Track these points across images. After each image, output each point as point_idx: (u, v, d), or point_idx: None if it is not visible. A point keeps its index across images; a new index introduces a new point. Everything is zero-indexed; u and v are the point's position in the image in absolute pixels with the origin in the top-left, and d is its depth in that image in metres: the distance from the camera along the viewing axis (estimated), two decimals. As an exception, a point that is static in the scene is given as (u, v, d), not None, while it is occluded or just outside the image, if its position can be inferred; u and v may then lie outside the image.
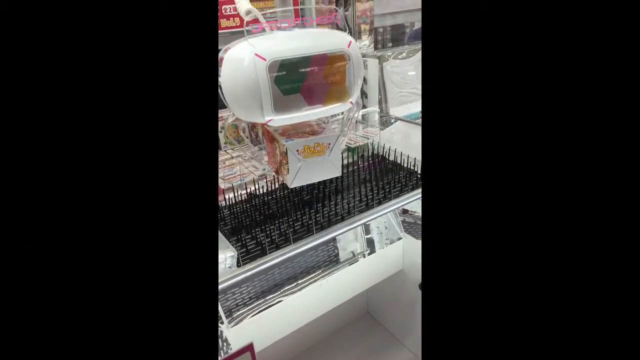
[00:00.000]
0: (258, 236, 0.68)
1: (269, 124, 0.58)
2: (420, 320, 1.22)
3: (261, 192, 0.82)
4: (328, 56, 0.59)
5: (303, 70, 0.58)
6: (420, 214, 1.35)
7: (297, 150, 0.64)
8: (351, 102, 0.65)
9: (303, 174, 0.65)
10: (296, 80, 0.58)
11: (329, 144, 0.65)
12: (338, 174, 0.67)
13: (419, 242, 1.25)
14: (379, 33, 1.39)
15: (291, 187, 0.66)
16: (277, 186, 0.85)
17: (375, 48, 1.31)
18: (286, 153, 0.63)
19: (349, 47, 0.61)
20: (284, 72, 0.56)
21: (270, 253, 0.62)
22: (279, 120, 0.58)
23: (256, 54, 0.53)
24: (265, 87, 0.54)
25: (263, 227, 0.71)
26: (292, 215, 0.74)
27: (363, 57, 1.19)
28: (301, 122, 0.68)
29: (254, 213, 0.75)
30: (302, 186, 0.86)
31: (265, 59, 0.53)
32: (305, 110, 0.60)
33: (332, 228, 0.68)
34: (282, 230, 0.69)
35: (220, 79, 0.58)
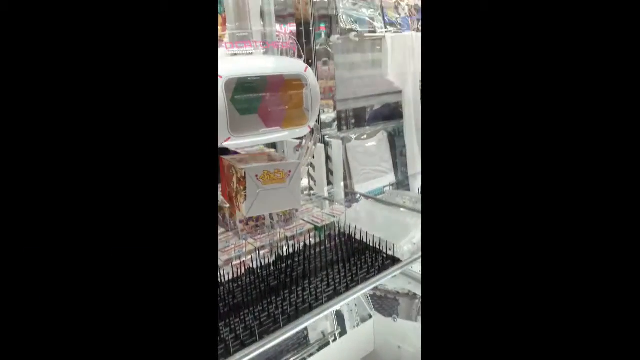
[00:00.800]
0: (222, 331, 0.64)
1: (225, 144, 0.55)
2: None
3: (225, 279, 0.79)
4: (285, 79, 0.60)
5: (260, 90, 0.57)
6: (388, 288, 1.34)
7: (257, 176, 0.60)
8: (309, 127, 0.66)
9: (261, 202, 0.62)
10: (253, 100, 0.56)
11: (289, 171, 0.63)
12: (298, 206, 0.65)
13: (390, 320, 1.23)
14: (341, 115, 1.50)
15: (247, 215, 0.62)
16: (242, 272, 0.83)
17: (339, 130, 1.41)
18: (244, 178, 0.60)
19: (305, 71, 0.62)
20: (241, 91, 0.55)
21: (234, 354, 0.58)
22: (236, 140, 0.55)
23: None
24: (222, 105, 0.52)
25: (227, 319, 0.67)
26: (258, 305, 0.71)
27: (327, 138, 1.27)
28: (260, 153, 0.67)
29: (220, 304, 0.72)
30: (268, 270, 0.85)
31: (221, 76, 0.53)
32: (263, 132, 0.58)
33: (300, 320, 0.66)
34: (248, 323, 0.66)
35: None
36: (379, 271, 0.80)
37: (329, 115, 1.38)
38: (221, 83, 0.53)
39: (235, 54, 0.61)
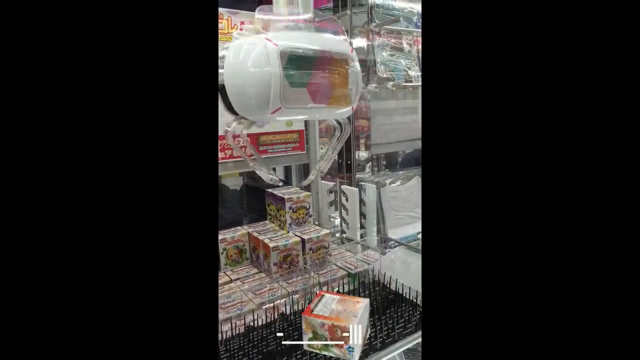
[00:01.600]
0: (253, 381, 0.63)
1: (275, 115, 0.55)
2: None
3: (259, 323, 0.78)
4: (333, 57, 0.60)
5: (310, 65, 0.57)
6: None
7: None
8: (353, 108, 0.65)
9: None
10: (303, 74, 0.56)
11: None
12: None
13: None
14: (373, 157, 1.51)
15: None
16: (275, 316, 0.81)
17: (372, 174, 1.41)
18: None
19: (351, 52, 0.63)
20: (293, 63, 0.55)
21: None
22: (285, 111, 0.54)
23: (267, 38, 0.54)
24: (276, 73, 0.52)
25: (259, 369, 0.66)
26: (292, 356, 0.69)
27: (361, 182, 1.28)
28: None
29: (251, 351, 0.71)
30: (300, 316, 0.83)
31: (277, 45, 0.53)
32: (310, 107, 0.57)
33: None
34: (281, 375, 0.64)
35: (222, 71, 0.56)
36: (417, 327, 0.77)
37: (362, 155, 1.40)
38: (276, 52, 0.53)
39: (287, 27, 0.61)
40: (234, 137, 0.62)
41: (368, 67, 1.31)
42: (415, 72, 1.39)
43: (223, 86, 0.57)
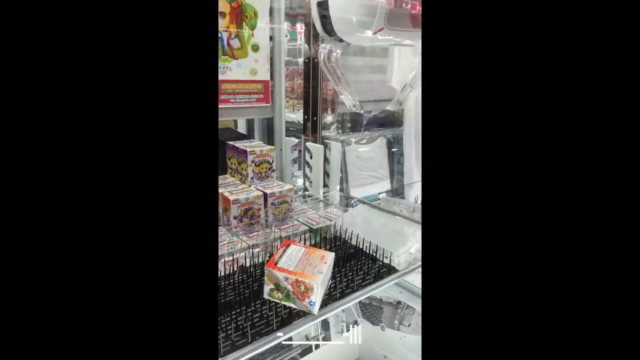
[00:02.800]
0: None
1: (377, 34, 0.54)
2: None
3: (218, 275, 0.76)
4: None
5: None
6: (375, 296, 1.33)
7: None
8: None
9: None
10: None
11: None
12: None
13: (377, 329, 1.21)
14: (339, 120, 1.49)
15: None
16: (235, 269, 0.80)
17: (338, 132, 1.39)
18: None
19: None
20: None
21: (225, 355, 0.56)
22: (386, 32, 0.54)
23: None
24: None
25: (218, 318, 0.64)
26: (251, 305, 0.69)
27: (327, 139, 1.25)
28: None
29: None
30: (262, 269, 0.82)
31: None
32: (410, 30, 0.57)
33: (294, 324, 0.64)
34: (239, 323, 0.63)
35: None
36: (375, 279, 0.79)
37: (328, 118, 1.37)
38: None
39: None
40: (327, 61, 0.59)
41: (339, 18, 1.24)
42: (387, 29, 1.34)
43: (325, 2, 0.53)
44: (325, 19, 0.56)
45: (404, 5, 0.56)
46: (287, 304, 0.66)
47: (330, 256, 0.71)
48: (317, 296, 0.63)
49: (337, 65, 0.63)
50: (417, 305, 1.13)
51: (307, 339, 1.27)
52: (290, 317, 0.66)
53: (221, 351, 0.57)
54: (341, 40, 0.59)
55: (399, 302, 1.34)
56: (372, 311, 1.37)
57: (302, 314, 0.66)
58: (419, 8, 0.58)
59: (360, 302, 1.33)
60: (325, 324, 1.33)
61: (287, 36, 1.20)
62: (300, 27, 1.43)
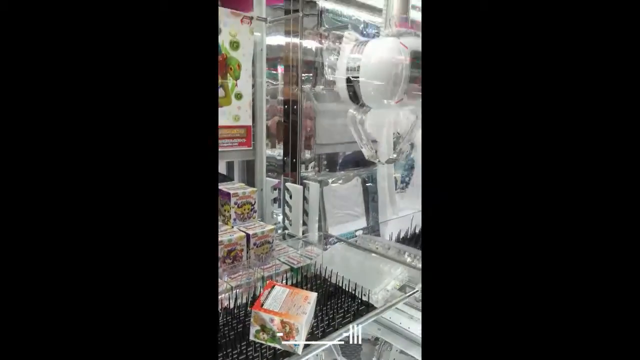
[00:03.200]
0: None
1: (398, 104, 0.65)
2: None
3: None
4: None
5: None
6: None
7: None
8: None
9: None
10: (417, 72, 0.66)
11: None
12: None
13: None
14: (316, 158, 1.56)
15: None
16: (218, 310, 0.81)
17: (315, 173, 1.46)
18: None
19: None
20: (416, 60, 0.65)
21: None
22: (405, 103, 0.66)
23: (401, 43, 0.65)
24: (406, 69, 0.64)
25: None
26: (236, 347, 0.70)
27: (305, 180, 1.31)
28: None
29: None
30: (245, 310, 0.84)
31: (407, 47, 0.65)
32: (417, 102, 0.67)
33: (279, 363, 0.66)
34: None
35: (361, 59, 0.64)
36: (355, 317, 0.83)
37: (305, 155, 1.44)
38: (407, 52, 0.65)
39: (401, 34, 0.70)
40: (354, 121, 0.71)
41: (316, 68, 1.35)
42: (360, 78, 1.47)
43: (354, 78, 0.65)
44: (351, 87, 0.67)
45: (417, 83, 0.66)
46: (272, 344, 0.68)
47: (313, 296, 0.74)
48: (301, 336, 0.66)
49: (362, 129, 0.74)
50: (395, 341, 1.17)
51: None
52: (275, 357, 0.68)
53: None
54: (362, 105, 0.70)
55: (376, 339, 1.37)
56: (350, 349, 1.38)
57: (286, 355, 0.69)
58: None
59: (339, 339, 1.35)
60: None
61: (268, 85, 1.28)
62: (280, 70, 1.52)
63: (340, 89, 0.69)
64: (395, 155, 0.83)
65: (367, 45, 0.65)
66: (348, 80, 0.69)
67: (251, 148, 1.23)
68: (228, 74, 1.10)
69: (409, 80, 0.64)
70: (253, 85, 1.21)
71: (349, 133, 1.59)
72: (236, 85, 1.13)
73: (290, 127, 1.32)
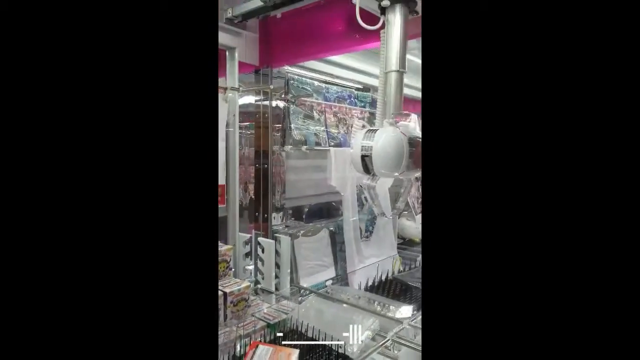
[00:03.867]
0: None
1: (401, 175, 0.85)
2: None
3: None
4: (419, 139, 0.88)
5: (414, 145, 0.86)
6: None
7: None
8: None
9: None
10: (413, 151, 0.85)
11: None
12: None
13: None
14: (283, 210, 1.64)
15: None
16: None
17: (283, 224, 1.53)
18: None
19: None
20: (411, 143, 0.84)
21: None
22: (405, 174, 0.86)
23: (402, 132, 0.85)
24: (406, 151, 0.83)
25: None
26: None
27: (276, 234, 1.37)
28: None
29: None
30: (227, 373, 0.85)
31: (405, 135, 0.84)
32: (413, 171, 0.87)
33: None
34: None
35: (373, 146, 0.85)
36: None
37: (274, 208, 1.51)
38: (405, 139, 0.85)
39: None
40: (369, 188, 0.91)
41: (284, 129, 1.46)
42: (324, 136, 1.60)
43: (368, 155, 0.86)
44: (364, 162, 0.88)
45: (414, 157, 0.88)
46: (259, 405, 0.71)
47: (295, 353, 0.79)
48: (288, 394, 0.70)
49: (374, 192, 0.92)
50: None
51: None
52: (261, 419, 0.70)
53: None
54: (374, 175, 0.90)
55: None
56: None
57: (273, 414, 0.71)
58: (416, 155, 0.89)
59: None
60: None
61: (242, 147, 1.37)
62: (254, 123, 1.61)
63: (355, 163, 0.92)
64: (396, 210, 1.05)
65: (376, 133, 0.88)
66: (362, 157, 0.89)
67: (224, 205, 1.28)
68: (204, 139, 1.18)
69: (408, 156, 0.84)
70: (226, 148, 1.29)
71: (315, 187, 1.70)
72: (212, 148, 1.21)
73: (262, 188, 1.40)
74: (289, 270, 1.37)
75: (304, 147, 1.45)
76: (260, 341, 0.85)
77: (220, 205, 1.27)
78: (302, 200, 1.65)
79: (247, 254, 1.37)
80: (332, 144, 1.62)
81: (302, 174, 1.60)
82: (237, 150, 1.31)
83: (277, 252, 1.36)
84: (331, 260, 1.54)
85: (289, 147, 1.45)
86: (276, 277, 1.35)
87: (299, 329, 1.04)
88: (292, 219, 1.71)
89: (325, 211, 1.83)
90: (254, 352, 0.76)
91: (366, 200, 1.65)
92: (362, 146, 0.85)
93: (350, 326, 1.02)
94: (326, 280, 1.48)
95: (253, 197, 1.44)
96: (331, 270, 1.53)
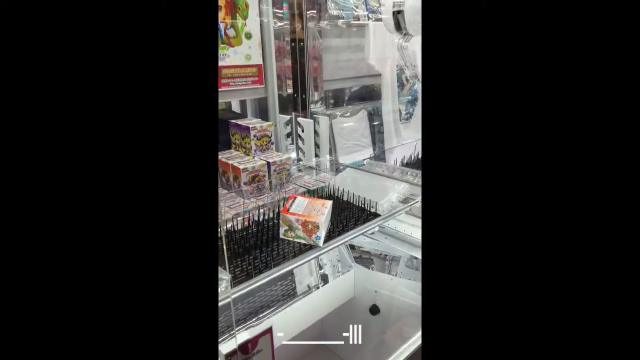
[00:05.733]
0: (239, 266, 0.80)
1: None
2: (369, 344, 1.36)
3: (238, 227, 0.95)
4: None
5: None
6: (364, 247, 1.54)
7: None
8: None
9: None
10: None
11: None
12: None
13: (369, 271, 1.43)
14: (322, 98, 1.64)
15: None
16: (251, 223, 0.98)
17: (326, 107, 1.56)
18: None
19: None
20: None
21: (255, 276, 0.75)
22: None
23: None
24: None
25: (241, 258, 0.83)
26: (268, 246, 0.87)
27: (315, 114, 1.42)
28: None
29: (234, 246, 0.87)
30: (273, 222, 1.00)
31: None
32: None
33: (303, 255, 0.83)
34: (263, 257, 0.82)
35: (405, 1, 0.85)
36: (356, 224, 0.99)
37: (313, 97, 1.52)
38: None
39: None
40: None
41: (319, 4, 1.38)
42: (362, 12, 1.50)
43: (400, 11, 0.83)
44: (396, 19, 0.84)
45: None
46: (298, 240, 0.85)
47: (329, 203, 0.89)
48: (321, 232, 0.82)
49: (405, 53, 0.93)
50: (400, 246, 1.34)
51: (309, 287, 1.48)
52: (301, 250, 0.85)
53: (253, 273, 0.75)
54: (406, 34, 0.84)
55: (386, 255, 1.56)
56: (363, 262, 1.59)
57: (310, 247, 0.85)
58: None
59: (354, 255, 1.55)
60: (323, 277, 1.54)
61: (275, 23, 1.33)
62: (285, 8, 1.55)
63: (386, 21, 0.86)
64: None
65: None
66: (394, 14, 0.82)
67: (263, 86, 1.32)
68: (237, 14, 1.17)
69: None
70: (261, 25, 1.27)
71: (354, 69, 1.65)
72: (245, 24, 1.20)
73: (298, 65, 1.39)
74: (327, 149, 1.44)
75: (340, 21, 1.37)
76: (299, 194, 0.96)
77: (259, 86, 1.31)
78: (341, 83, 1.63)
79: (288, 135, 1.45)
80: (373, 18, 1.51)
81: (340, 54, 1.56)
82: (271, 27, 1.29)
83: (316, 133, 1.42)
84: (369, 140, 1.58)
85: (325, 22, 1.39)
86: (316, 155, 1.44)
87: (336, 194, 1.15)
88: (332, 103, 1.73)
89: (367, 96, 1.81)
90: (292, 202, 0.88)
91: (407, 81, 1.60)
92: (394, 2, 0.80)
93: (383, 191, 1.11)
94: (364, 159, 1.55)
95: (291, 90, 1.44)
96: (369, 151, 1.59)
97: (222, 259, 0.76)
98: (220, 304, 0.70)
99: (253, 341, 0.48)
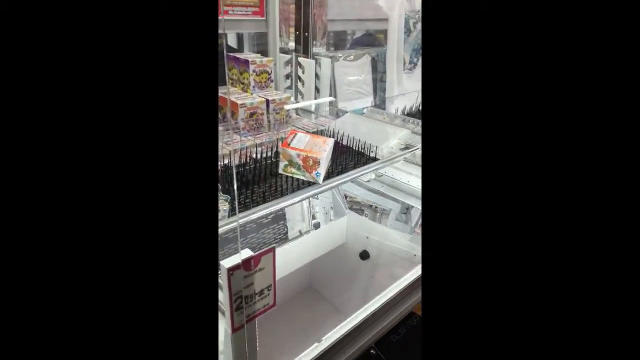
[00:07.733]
0: (237, 199, 0.79)
1: None
2: (359, 290, 1.41)
3: (237, 162, 0.92)
4: None
5: None
6: (357, 198, 1.55)
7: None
8: None
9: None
10: None
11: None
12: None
13: (362, 218, 1.45)
14: (326, 42, 1.56)
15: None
16: (248, 160, 0.95)
17: (327, 49, 1.48)
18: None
19: None
20: None
21: (240, 212, 0.74)
22: None
23: None
24: None
25: (240, 191, 0.81)
26: (266, 182, 0.86)
27: (317, 56, 1.35)
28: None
29: (231, 181, 0.85)
30: (271, 160, 0.98)
31: None
32: None
33: (299, 192, 0.82)
34: (263, 190, 0.80)
35: None
36: (355, 166, 0.97)
37: (317, 40, 1.44)
38: None
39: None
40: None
41: None
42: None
43: None
44: None
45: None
46: (297, 176, 0.83)
47: (331, 140, 0.87)
48: (322, 168, 0.80)
49: None
50: (393, 206, 1.36)
51: (300, 233, 1.50)
52: (299, 187, 0.83)
53: (237, 211, 0.74)
54: None
55: (376, 207, 1.57)
56: (355, 212, 1.61)
57: (310, 184, 0.84)
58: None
59: (348, 201, 1.56)
60: (316, 224, 1.55)
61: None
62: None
63: None
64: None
65: None
66: None
67: (264, 19, 1.24)
68: None
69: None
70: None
71: (361, 9, 1.56)
72: (248, -55, 1.09)
73: (302, 4, 1.30)
74: (328, 93, 1.40)
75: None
76: (299, 129, 0.93)
77: (260, 18, 1.23)
78: (345, 25, 1.55)
79: (288, 75, 1.39)
80: (383, -47, 1.40)
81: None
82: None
83: (317, 75, 1.36)
84: (371, 88, 1.54)
85: (333, -47, 1.28)
86: (316, 97, 1.39)
87: (335, 137, 1.12)
88: (334, 49, 1.65)
89: (368, 44, 1.73)
90: (293, 137, 0.85)
91: (414, 27, 1.52)
92: None
93: (383, 136, 1.09)
94: (364, 108, 1.51)
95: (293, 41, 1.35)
96: (369, 99, 1.54)
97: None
98: (226, 228, 0.69)
99: (256, 258, 0.48)
